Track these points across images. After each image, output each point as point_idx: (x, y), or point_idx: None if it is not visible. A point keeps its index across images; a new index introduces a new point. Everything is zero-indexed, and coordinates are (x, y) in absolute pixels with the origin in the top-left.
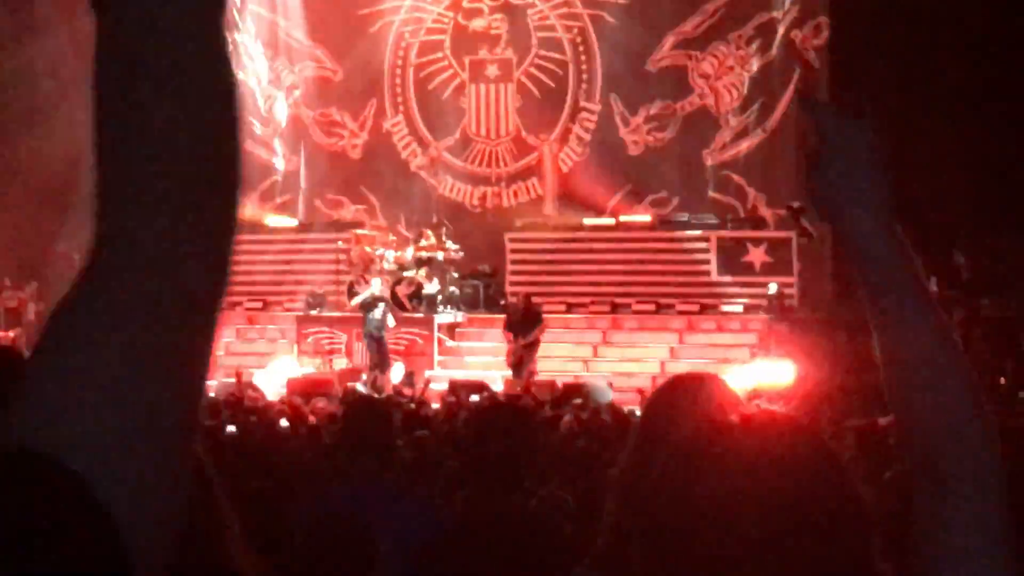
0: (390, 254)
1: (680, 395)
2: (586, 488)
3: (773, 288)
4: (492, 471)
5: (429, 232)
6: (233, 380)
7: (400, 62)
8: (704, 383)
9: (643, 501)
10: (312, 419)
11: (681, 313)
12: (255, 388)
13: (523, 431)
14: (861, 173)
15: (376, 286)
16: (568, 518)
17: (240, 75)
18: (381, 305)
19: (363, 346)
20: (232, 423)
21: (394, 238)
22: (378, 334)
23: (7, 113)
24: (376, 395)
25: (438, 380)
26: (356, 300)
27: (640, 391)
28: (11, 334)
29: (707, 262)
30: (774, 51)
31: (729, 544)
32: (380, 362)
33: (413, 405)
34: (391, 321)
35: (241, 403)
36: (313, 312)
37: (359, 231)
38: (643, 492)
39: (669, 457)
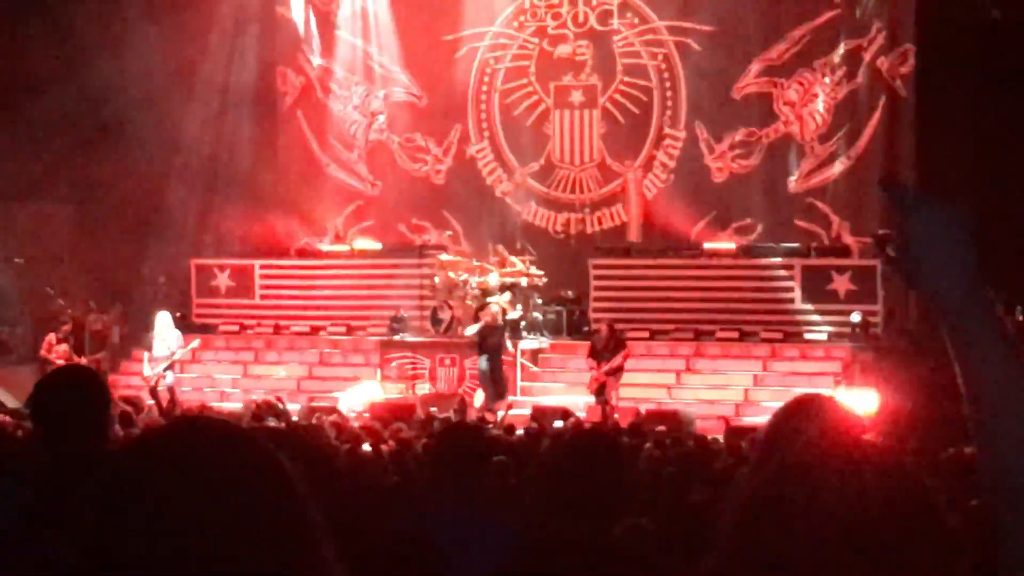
0: (474, 280)
1: (799, 414)
2: (670, 516)
3: (856, 317)
4: (575, 498)
5: (513, 258)
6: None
7: (485, 88)
8: (822, 404)
9: (748, 513)
10: (391, 444)
11: (764, 341)
12: (340, 413)
13: (606, 458)
14: (944, 248)
15: (495, 310)
16: (652, 547)
17: (327, 101)
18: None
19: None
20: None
21: (478, 263)
22: (494, 362)
23: (91, 129)
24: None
25: (521, 406)
26: (472, 330)
27: (725, 420)
28: (97, 357)
29: (791, 290)
30: (860, 78)
31: (822, 561)
32: (496, 391)
33: (499, 431)
34: (510, 346)
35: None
36: (396, 337)
37: (443, 256)
38: (749, 504)
39: (775, 473)
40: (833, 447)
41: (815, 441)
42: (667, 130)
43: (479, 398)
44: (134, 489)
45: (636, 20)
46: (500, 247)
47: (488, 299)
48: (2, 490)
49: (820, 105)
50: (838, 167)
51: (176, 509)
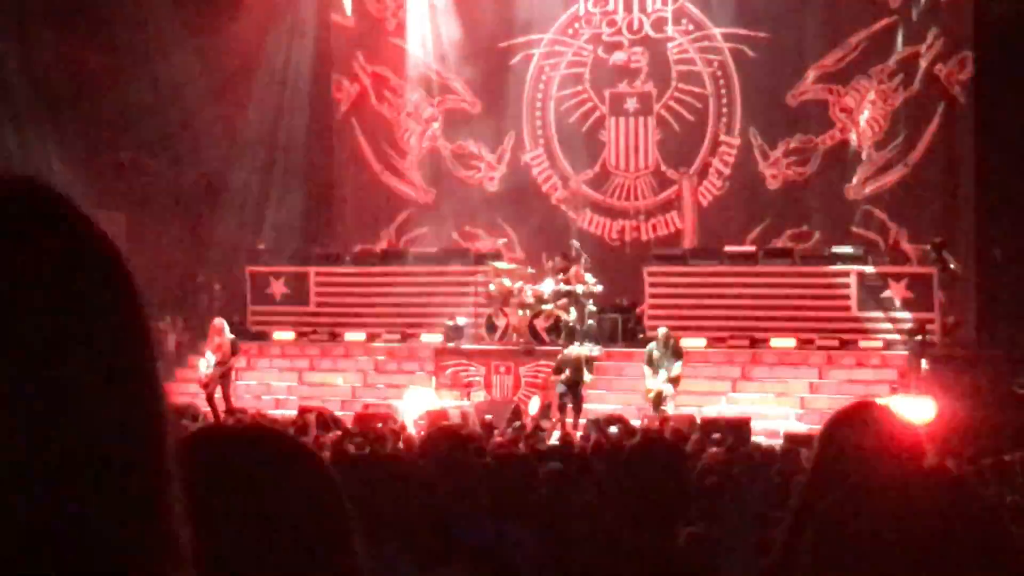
0: (528, 287)
1: (852, 423)
2: (732, 525)
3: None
4: (637, 507)
5: (568, 265)
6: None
7: (540, 95)
8: (876, 413)
9: (817, 528)
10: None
11: (821, 348)
12: (394, 420)
13: (667, 467)
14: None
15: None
16: (717, 555)
17: (381, 109)
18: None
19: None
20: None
21: (532, 271)
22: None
23: (144, 136)
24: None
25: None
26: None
27: (785, 430)
28: None
29: (848, 297)
30: (917, 85)
31: None
32: (577, 406)
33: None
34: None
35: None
36: (451, 344)
37: (497, 264)
38: (818, 519)
39: (845, 493)
40: (890, 466)
41: (872, 457)
42: (722, 137)
43: (534, 405)
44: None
45: (691, 27)
46: (549, 251)
47: (543, 306)
48: None
49: (877, 112)
50: (895, 174)
51: (211, 513)
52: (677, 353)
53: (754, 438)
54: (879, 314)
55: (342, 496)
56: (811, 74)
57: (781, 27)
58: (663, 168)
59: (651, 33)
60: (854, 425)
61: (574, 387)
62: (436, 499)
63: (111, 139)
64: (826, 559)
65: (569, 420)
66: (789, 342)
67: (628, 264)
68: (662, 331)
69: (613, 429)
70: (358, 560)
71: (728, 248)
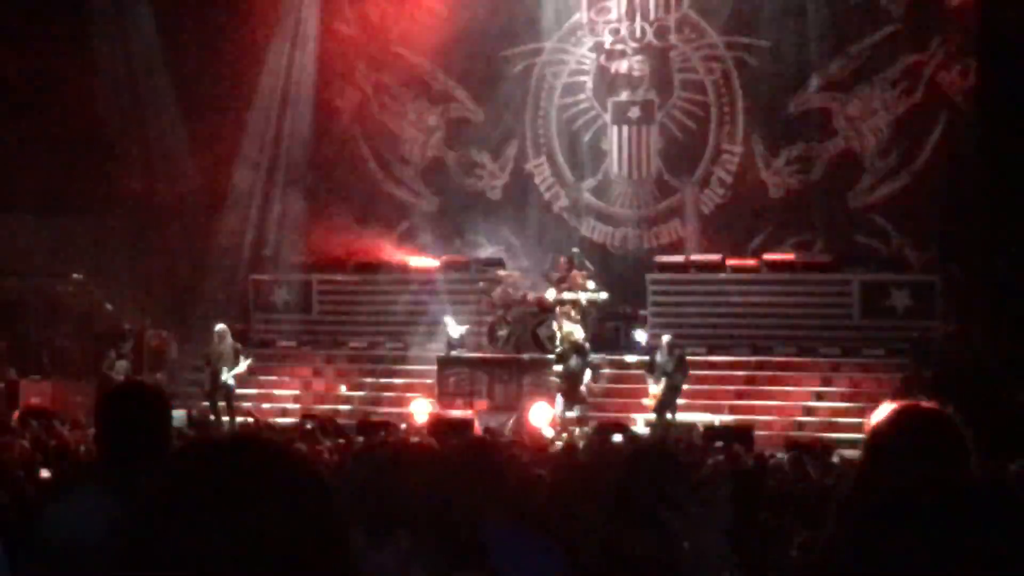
0: (531, 295)
1: (906, 426)
2: (738, 533)
3: None
4: (639, 515)
5: (567, 275)
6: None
7: (542, 104)
8: (931, 418)
9: (861, 522)
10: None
11: (823, 357)
12: (395, 428)
13: (669, 475)
14: None
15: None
16: (720, 564)
17: (383, 117)
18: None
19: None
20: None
21: (535, 279)
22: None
23: (147, 144)
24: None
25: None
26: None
27: (787, 439)
28: (157, 376)
29: (850, 305)
30: (920, 93)
31: None
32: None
33: (560, 444)
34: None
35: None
36: (453, 353)
37: (500, 272)
38: (863, 514)
39: (890, 492)
40: (937, 467)
41: (920, 458)
42: (724, 145)
43: (537, 413)
44: (164, 506)
45: (694, 35)
46: (552, 260)
47: (545, 314)
48: (87, 502)
49: (880, 120)
50: (898, 183)
51: (204, 523)
52: (682, 362)
53: (757, 446)
54: (882, 322)
55: (333, 503)
56: (814, 82)
57: (784, 35)
58: (665, 176)
59: (653, 41)
60: (908, 430)
61: (573, 388)
62: (443, 502)
63: (114, 149)
64: (870, 554)
65: (572, 428)
66: (791, 350)
67: (631, 272)
68: (666, 339)
69: (616, 437)
70: (350, 566)
71: (730, 258)
